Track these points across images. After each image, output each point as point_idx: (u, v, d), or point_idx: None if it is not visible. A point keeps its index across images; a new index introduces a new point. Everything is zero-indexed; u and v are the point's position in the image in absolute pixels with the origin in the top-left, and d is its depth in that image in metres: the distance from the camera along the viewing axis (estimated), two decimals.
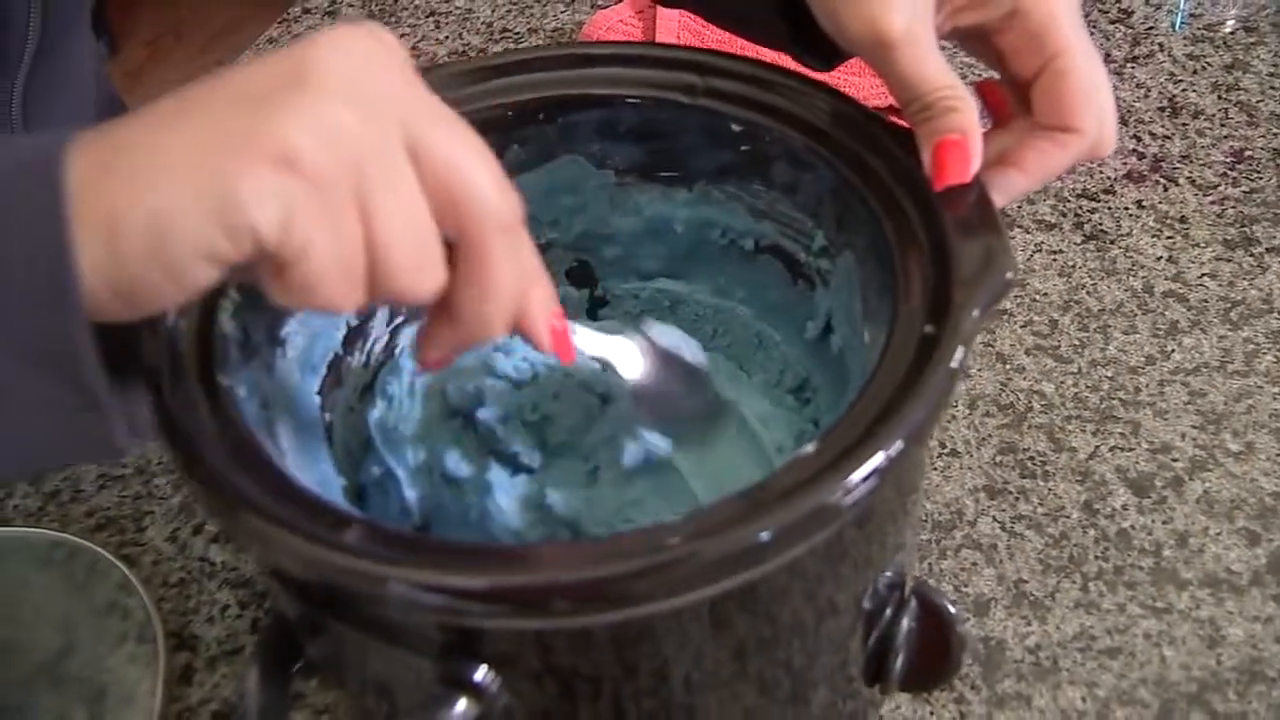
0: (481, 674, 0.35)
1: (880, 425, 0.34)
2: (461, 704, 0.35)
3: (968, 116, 0.41)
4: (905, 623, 0.44)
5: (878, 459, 0.33)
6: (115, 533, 0.62)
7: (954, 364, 0.35)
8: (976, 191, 0.41)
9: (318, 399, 0.46)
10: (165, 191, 0.29)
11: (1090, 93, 0.41)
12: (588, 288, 0.53)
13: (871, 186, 0.43)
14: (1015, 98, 0.44)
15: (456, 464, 0.45)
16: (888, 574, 0.42)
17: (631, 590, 0.32)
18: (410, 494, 0.44)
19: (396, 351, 0.51)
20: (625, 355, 0.46)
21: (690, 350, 0.49)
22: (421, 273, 0.32)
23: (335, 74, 0.31)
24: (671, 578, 0.32)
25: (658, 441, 0.43)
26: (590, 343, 0.44)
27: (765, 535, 0.32)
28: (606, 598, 0.32)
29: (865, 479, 0.33)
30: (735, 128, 0.47)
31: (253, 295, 0.40)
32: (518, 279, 0.34)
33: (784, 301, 0.49)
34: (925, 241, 0.40)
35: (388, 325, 0.50)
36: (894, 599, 0.44)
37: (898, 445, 0.33)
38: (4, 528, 0.62)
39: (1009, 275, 0.38)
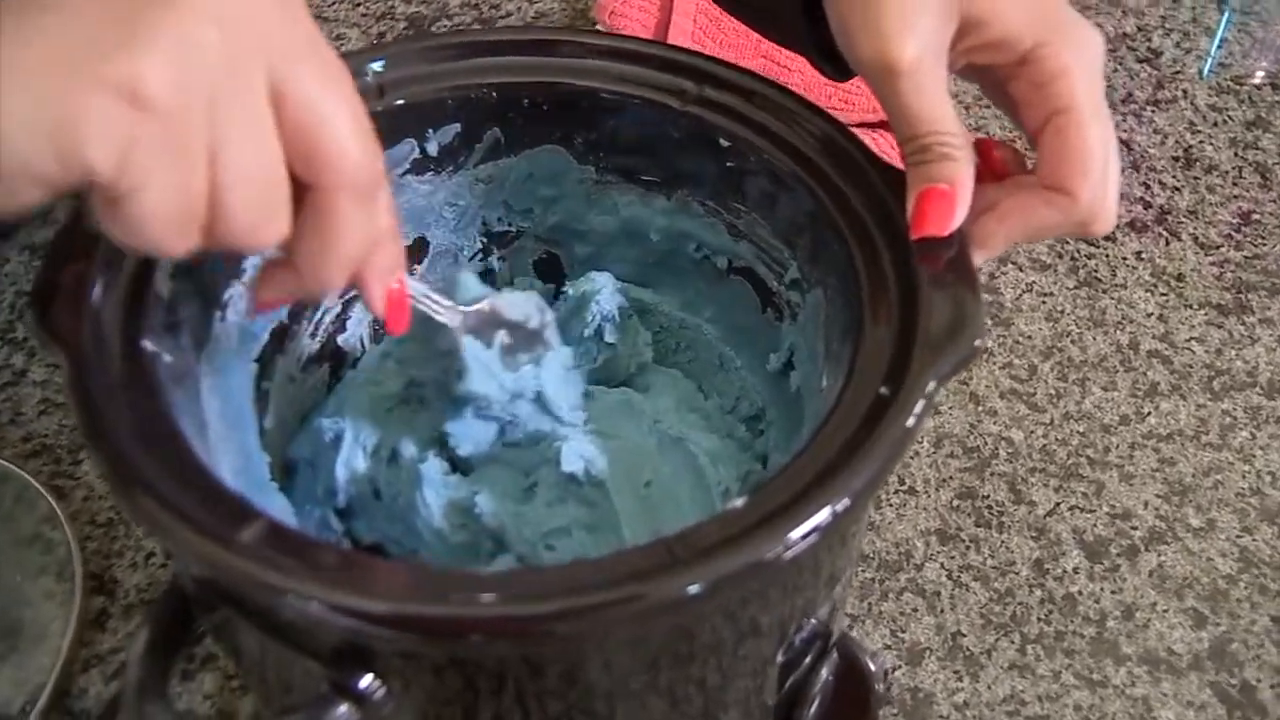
0: (367, 682, 0.34)
1: (815, 489, 0.32)
2: (343, 709, 0.33)
3: (961, 168, 0.39)
4: (824, 673, 0.43)
5: (804, 527, 0.32)
6: (50, 461, 0.60)
7: (901, 433, 0.34)
8: (957, 248, 0.39)
9: (254, 367, 0.44)
10: None
11: (1089, 156, 0.38)
12: (554, 283, 0.52)
13: (851, 225, 0.41)
14: (1015, 159, 0.42)
15: (406, 444, 0.43)
16: (813, 621, 0.41)
17: (551, 630, 0.31)
18: (341, 473, 0.43)
19: (349, 324, 0.50)
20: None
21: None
22: (263, 223, 0.31)
23: None
24: (591, 622, 0.31)
25: (595, 455, 0.42)
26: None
27: (694, 589, 0.31)
28: (521, 636, 0.31)
29: (791, 546, 0.31)
30: (723, 141, 0.45)
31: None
32: (364, 238, 0.33)
33: (751, 327, 0.48)
34: (896, 294, 0.38)
35: (340, 296, 0.49)
36: (815, 648, 0.43)
37: (825, 516, 0.32)
38: None
39: (976, 343, 0.37)
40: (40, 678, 0.52)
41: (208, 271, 0.41)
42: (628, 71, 0.46)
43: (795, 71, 0.77)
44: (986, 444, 0.62)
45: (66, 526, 0.56)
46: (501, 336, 0.45)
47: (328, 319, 0.48)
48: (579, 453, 0.41)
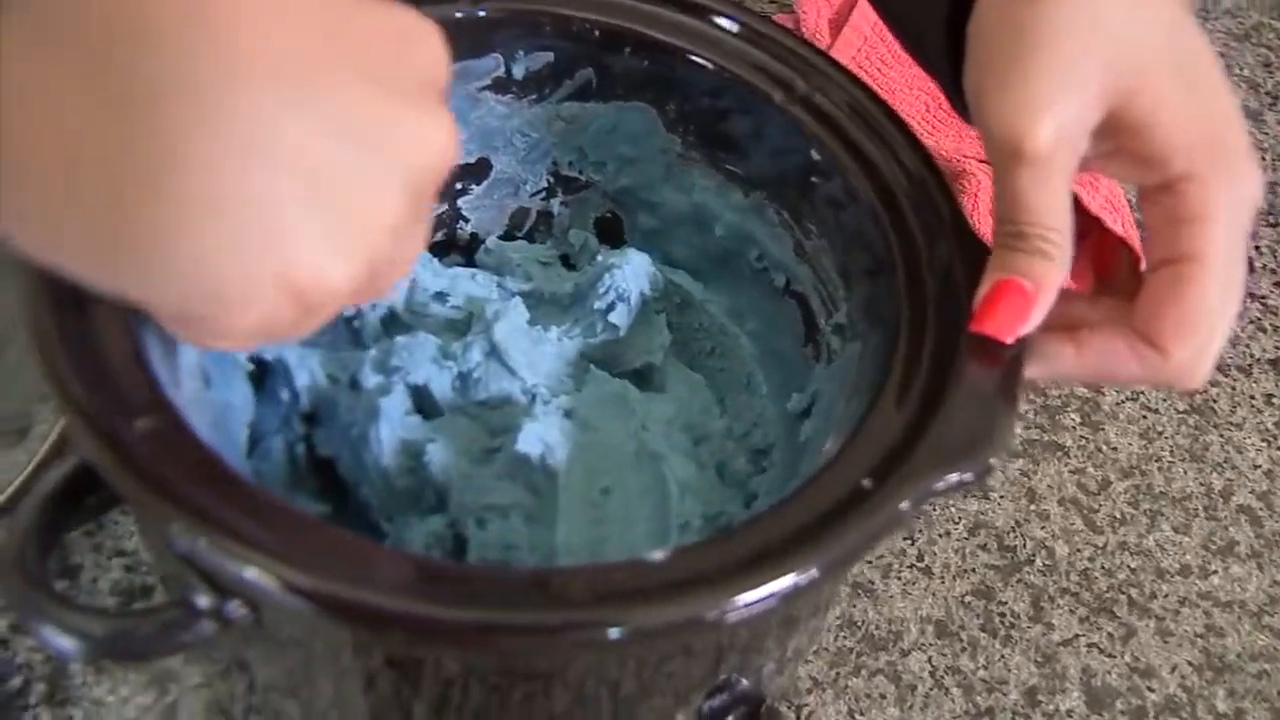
0: (236, 607, 0.31)
1: (740, 574, 0.29)
2: (205, 625, 0.31)
3: (1053, 270, 0.33)
4: None
5: (726, 604, 0.28)
6: None
7: (866, 538, 0.30)
8: (1013, 354, 0.34)
9: None
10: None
11: (1198, 321, 0.33)
12: (609, 245, 0.48)
13: (910, 284, 0.37)
14: (1127, 269, 0.37)
15: (368, 374, 0.41)
16: (744, 683, 0.38)
17: (473, 641, 0.28)
18: (302, 378, 0.40)
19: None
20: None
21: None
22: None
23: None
24: (509, 645, 0.28)
25: (558, 440, 0.38)
26: None
27: (615, 634, 0.28)
28: (433, 639, 0.29)
29: (689, 622, 0.28)
30: (815, 154, 0.41)
31: None
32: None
33: (788, 356, 0.44)
34: (925, 378, 0.34)
35: None
36: (738, 713, 0.39)
37: (753, 599, 0.28)
38: None
39: (992, 461, 0.32)
40: (11, 475, 0.52)
41: None
42: (743, 50, 0.42)
43: None
44: (1025, 547, 0.57)
45: None
46: None
47: None
48: (540, 436, 0.38)
